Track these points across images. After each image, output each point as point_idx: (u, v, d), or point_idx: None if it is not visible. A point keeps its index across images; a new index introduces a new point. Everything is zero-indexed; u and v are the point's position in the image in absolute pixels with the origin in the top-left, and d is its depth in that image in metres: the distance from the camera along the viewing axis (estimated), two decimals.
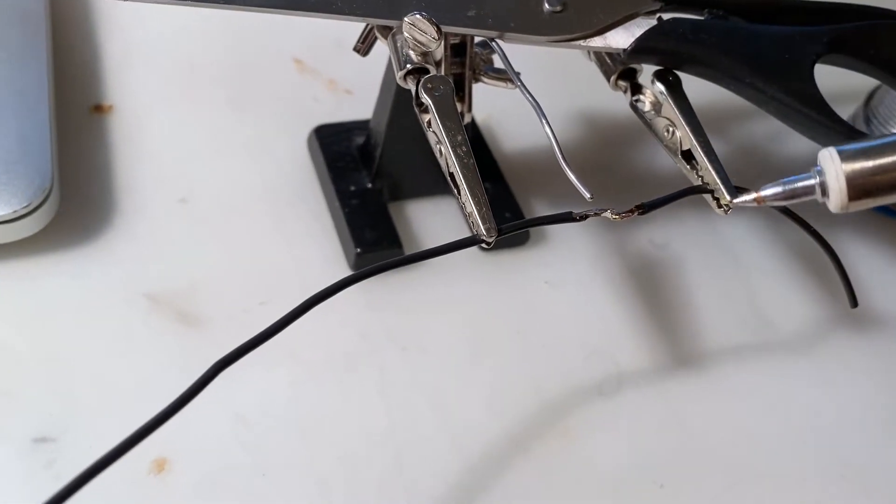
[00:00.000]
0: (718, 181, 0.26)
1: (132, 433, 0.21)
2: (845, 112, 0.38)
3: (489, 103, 0.36)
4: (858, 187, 0.19)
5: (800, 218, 0.29)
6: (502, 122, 0.38)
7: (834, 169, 0.20)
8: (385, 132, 0.33)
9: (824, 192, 0.20)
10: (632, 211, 0.26)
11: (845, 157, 0.20)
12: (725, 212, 0.27)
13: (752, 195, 0.22)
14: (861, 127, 0.37)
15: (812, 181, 0.21)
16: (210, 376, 0.21)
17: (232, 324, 0.31)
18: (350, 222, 0.33)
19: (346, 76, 0.40)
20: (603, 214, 0.25)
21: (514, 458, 0.29)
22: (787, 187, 0.21)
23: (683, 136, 0.28)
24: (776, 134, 0.39)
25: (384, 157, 0.34)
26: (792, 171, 0.23)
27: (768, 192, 0.21)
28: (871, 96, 0.38)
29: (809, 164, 0.23)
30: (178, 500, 0.27)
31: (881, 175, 0.19)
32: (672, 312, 0.33)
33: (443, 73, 0.28)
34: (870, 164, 0.19)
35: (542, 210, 0.36)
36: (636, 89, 0.30)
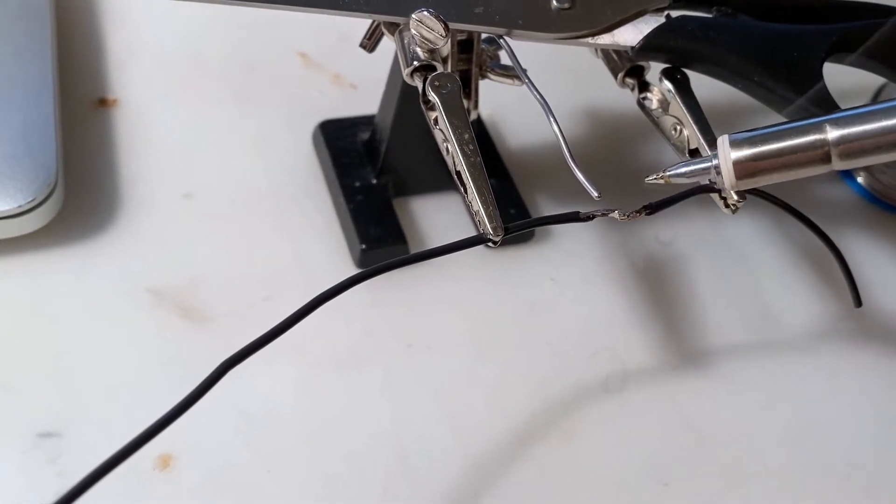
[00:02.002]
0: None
1: (141, 432, 0.21)
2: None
3: (494, 100, 0.36)
4: (742, 169, 0.23)
5: (805, 217, 0.29)
6: (507, 119, 0.38)
7: (724, 154, 0.23)
8: (391, 128, 0.33)
9: (718, 173, 0.23)
10: (639, 211, 0.26)
11: (734, 144, 0.23)
12: (732, 211, 0.27)
13: (660, 174, 0.25)
14: None
15: (709, 164, 0.24)
16: (217, 376, 0.21)
17: (236, 319, 0.31)
18: (355, 218, 0.33)
19: (351, 70, 0.39)
20: (610, 215, 0.25)
21: (518, 456, 0.29)
22: (689, 168, 0.24)
23: (691, 134, 0.28)
24: None
25: (389, 153, 0.33)
26: None
27: (673, 171, 0.25)
28: (878, 93, 0.38)
29: None
30: (183, 497, 0.27)
31: (761, 160, 0.23)
32: (677, 310, 0.33)
33: (449, 69, 0.28)
34: (753, 150, 0.23)
35: (547, 207, 0.36)
36: (644, 87, 0.30)
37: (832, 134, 0.22)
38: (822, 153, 0.22)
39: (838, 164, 0.22)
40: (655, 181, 0.25)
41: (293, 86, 0.39)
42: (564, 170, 0.26)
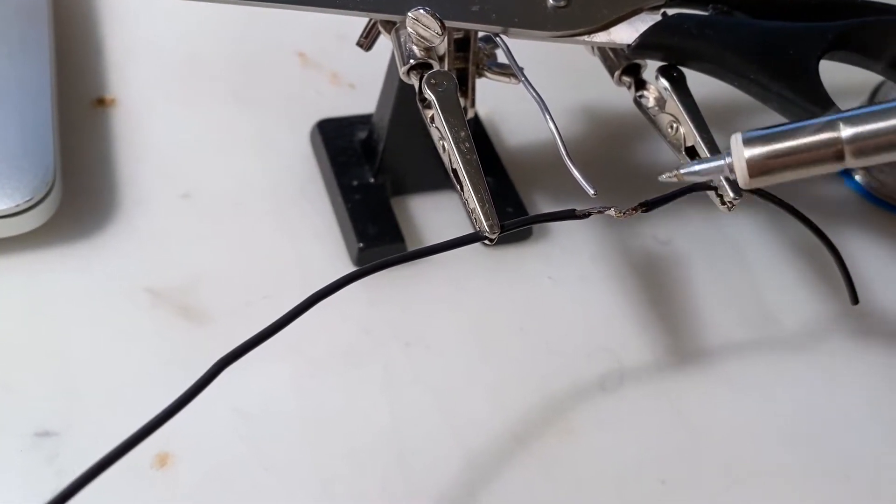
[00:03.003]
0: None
1: (136, 431, 0.21)
2: (850, 107, 0.38)
3: (492, 98, 0.36)
4: (756, 167, 0.23)
5: (802, 214, 0.29)
6: (505, 117, 0.38)
7: (738, 152, 0.23)
8: (388, 127, 0.33)
9: (731, 171, 0.24)
10: (635, 209, 0.26)
11: (747, 142, 0.23)
12: (729, 209, 0.27)
13: (674, 173, 0.25)
14: None
15: (722, 161, 0.24)
16: (213, 374, 0.21)
17: (234, 318, 0.31)
18: (353, 217, 0.33)
19: (348, 70, 0.39)
20: (606, 212, 0.25)
21: (516, 454, 0.29)
22: (703, 166, 0.24)
23: (687, 132, 0.28)
24: None
25: (387, 152, 0.34)
26: None
27: (687, 170, 0.25)
28: (875, 91, 0.38)
29: None
30: (181, 495, 0.27)
31: (775, 158, 0.23)
32: (675, 308, 0.33)
33: (446, 67, 0.28)
34: (766, 149, 0.23)
35: (545, 204, 0.36)
36: (640, 85, 0.30)
37: (846, 132, 0.22)
38: (835, 151, 0.22)
39: (851, 162, 0.22)
40: (669, 179, 0.25)
41: (291, 85, 0.39)
42: (562, 168, 0.27)
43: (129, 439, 0.20)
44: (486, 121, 0.38)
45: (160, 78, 0.38)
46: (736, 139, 0.23)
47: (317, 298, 0.23)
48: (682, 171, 0.25)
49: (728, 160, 0.24)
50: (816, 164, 0.23)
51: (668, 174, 0.25)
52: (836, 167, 0.23)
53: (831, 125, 0.22)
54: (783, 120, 0.28)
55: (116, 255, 0.32)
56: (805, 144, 0.22)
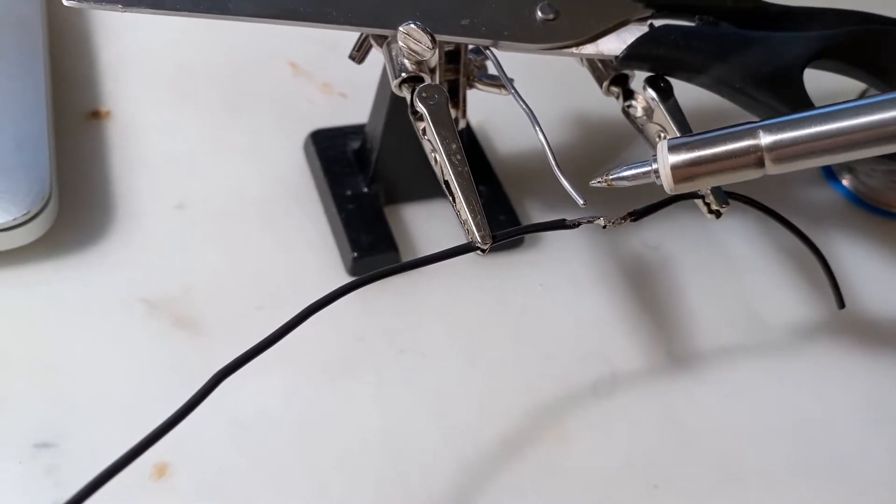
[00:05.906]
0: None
1: (134, 445, 0.21)
2: None
3: (485, 107, 0.36)
4: (679, 174, 0.23)
5: (787, 221, 0.30)
6: (498, 126, 0.39)
7: (663, 159, 0.23)
8: (381, 136, 0.33)
9: (658, 176, 0.24)
10: (624, 218, 0.26)
11: (672, 149, 0.23)
12: (717, 216, 0.27)
13: (603, 178, 0.25)
14: None
15: (648, 168, 0.24)
16: (211, 386, 0.21)
17: (229, 329, 0.31)
18: (347, 226, 0.33)
19: (340, 79, 0.40)
20: (595, 222, 0.25)
21: (509, 460, 0.29)
22: (631, 172, 0.25)
23: None
24: None
25: (380, 162, 0.34)
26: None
27: (615, 175, 0.25)
28: (861, 98, 0.38)
29: None
30: None
31: (697, 165, 0.23)
32: (665, 313, 0.34)
33: (437, 80, 0.28)
34: (689, 155, 0.23)
35: (537, 213, 0.36)
36: (628, 95, 0.30)
37: (765, 139, 0.22)
38: (755, 158, 0.23)
39: (772, 169, 0.23)
40: (598, 184, 0.25)
41: (284, 95, 0.39)
42: (554, 176, 0.27)
43: (129, 452, 0.21)
44: (478, 130, 0.38)
45: (154, 90, 0.38)
46: (662, 146, 0.24)
47: (313, 310, 0.23)
48: (610, 176, 0.25)
49: (654, 166, 0.24)
50: (737, 170, 0.23)
51: (597, 179, 0.25)
52: (757, 174, 0.23)
53: (752, 133, 0.23)
54: None
55: (112, 267, 0.32)
56: (726, 151, 0.23)
